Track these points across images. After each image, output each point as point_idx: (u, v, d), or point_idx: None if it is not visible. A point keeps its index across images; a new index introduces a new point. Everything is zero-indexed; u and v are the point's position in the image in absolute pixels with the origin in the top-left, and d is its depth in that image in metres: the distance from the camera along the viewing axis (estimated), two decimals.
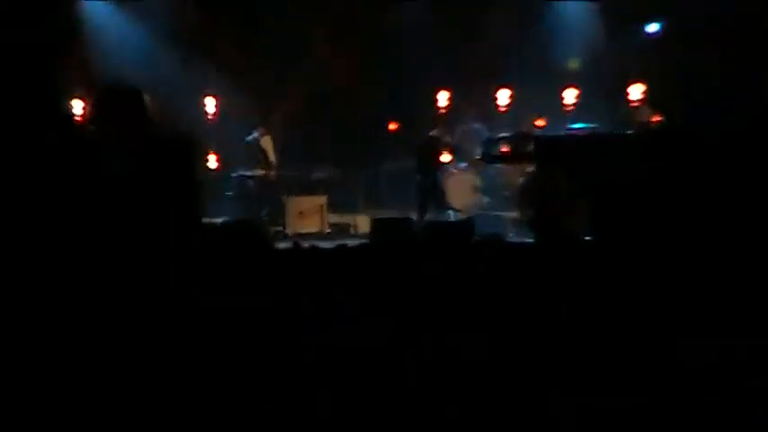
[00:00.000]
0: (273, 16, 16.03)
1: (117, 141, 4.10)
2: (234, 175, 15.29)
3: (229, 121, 15.81)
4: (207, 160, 15.16)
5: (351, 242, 10.09)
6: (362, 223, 14.93)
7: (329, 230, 15.35)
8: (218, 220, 13.73)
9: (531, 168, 12.99)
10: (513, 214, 14.23)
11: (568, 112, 15.59)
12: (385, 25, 16.64)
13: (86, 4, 16.10)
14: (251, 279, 6.22)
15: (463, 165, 15.47)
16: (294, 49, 16.35)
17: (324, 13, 16.76)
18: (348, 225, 15.46)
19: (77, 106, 14.13)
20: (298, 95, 16.79)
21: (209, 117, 15.91)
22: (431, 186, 14.11)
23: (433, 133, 14.44)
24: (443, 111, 15.71)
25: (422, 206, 14.10)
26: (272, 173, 14.97)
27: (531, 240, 11.04)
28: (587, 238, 9.32)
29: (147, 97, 4.36)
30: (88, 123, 4.82)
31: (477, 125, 16.00)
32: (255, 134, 15.03)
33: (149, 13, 15.85)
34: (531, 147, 11.70)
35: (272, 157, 15.02)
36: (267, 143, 15.06)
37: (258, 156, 15.06)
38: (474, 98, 16.31)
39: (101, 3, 16.20)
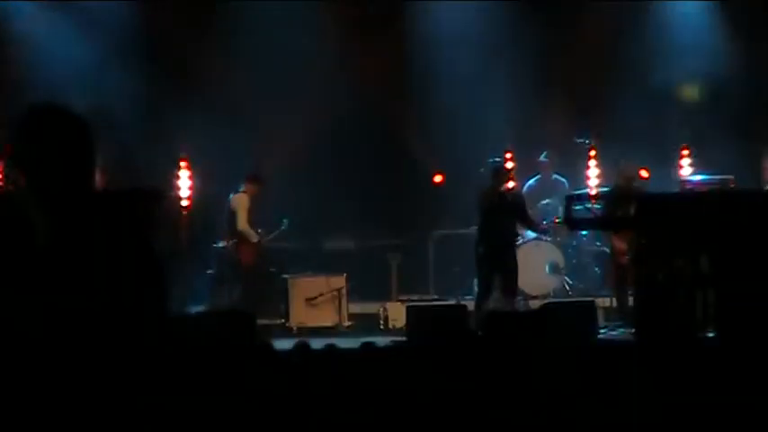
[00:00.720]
0: (267, 21, 16.37)
1: (45, 194, 3.92)
2: (216, 245, 15.53)
3: (213, 178, 15.99)
4: (181, 225, 15.17)
5: (380, 340, 10.15)
6: (396, 313, 15.03)
7: (349, 324, 15.43)
8: (195, 311, 14.03)
9: (630, 238, 13.03)
10: (606, 300, 14.47)
11: (684, 159, 15.65)
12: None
13: (9, 5, 16.33)
14: (234, 392, 6.33)
15: (534, 234, 15.63)
16: (297, 62, 16.57)
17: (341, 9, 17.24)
18: (376, 316, 15.51)
19: None
20: (302, 131, 16.85)
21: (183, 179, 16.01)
22: (498, 262, 13.97)
23: (504, 188, 14.12)
24: (510, 159, 15.93)
25: (483, 288, 14.05)
26: (230, 242, 14.95)
27: (631, 338, 11.13)
28: (708, 335, 9.50)
29: (90, 128, 4.22)
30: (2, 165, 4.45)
31: (557, 176, 16.40)
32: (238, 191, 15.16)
33: (101, 18, 16.11)
34: (632, 208, 11.76)
35: (240, 223, 14.92)
36: (239, 203, 15.10)
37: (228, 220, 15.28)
38: (552, 140, 16.67)
39: (29, 3, 16.43)
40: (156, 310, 3.96)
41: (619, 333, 13.43)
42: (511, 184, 14.27)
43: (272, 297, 15.46)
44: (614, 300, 14.22)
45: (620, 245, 14.10)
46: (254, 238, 15.11)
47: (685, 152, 15.75)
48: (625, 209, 12.09)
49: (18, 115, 3.94)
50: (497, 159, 15.00)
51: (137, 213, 3.96)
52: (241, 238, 15.04)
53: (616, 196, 13.30)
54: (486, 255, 13.94)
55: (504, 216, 13.98)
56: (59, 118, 3.91)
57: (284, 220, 14.73)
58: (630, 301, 13.88)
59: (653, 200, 11.37)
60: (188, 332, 9.70)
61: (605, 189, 14.18)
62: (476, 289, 14.45)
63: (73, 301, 3.69)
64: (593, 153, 15.99)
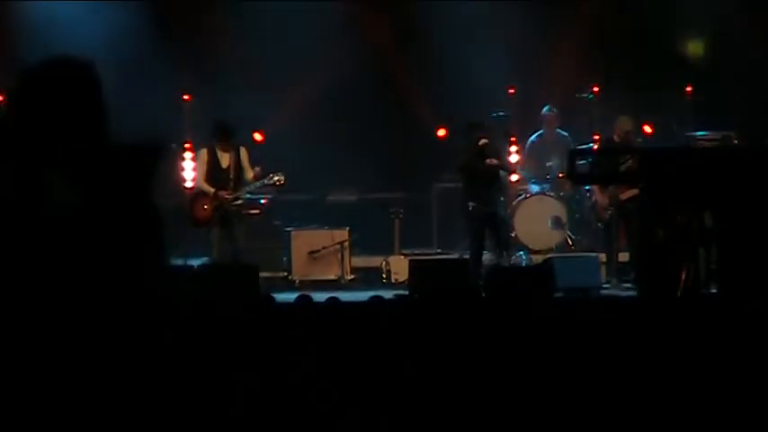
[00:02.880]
0: None
1: (55, 151, 3.81)
2: None
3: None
4: (183, 176, 15.06)
5: (383, 294, 10.04)
6: (398, 267, 15.08)
7: (352, 277, 15.54)
8: (196, 263, 14.08)
9: (634, 192, 13.24)
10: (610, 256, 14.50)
11: (688, 113, 15.72)
12: None
13: None
14: (235, 348, 6.32)
15: (538, 188, 15.77)
16: (300, 20, 16.60)
17: None
18: (379, 270, 15.55)
19: None
20: (306, 87, 16.83)
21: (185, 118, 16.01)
22: (488, 216, 14.06)
23: (482, 142, 14.05)
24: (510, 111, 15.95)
25: (475, 244, 14.13)
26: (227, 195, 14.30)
27: (634, 294, 11.17)
28: (710, 291, 9.56)
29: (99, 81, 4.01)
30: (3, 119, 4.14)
31: (560, 131, 16.39)
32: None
33: None
34: (629, 162, 11.77)
35: (246, 173, 14.40)
36: (197, 158, 14.65)
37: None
38: (555, 93, 16.67)
39: None
40: (156, 265, 3.93)
41: (620, 289, 13.52)
42: (485, 141, 14.23)
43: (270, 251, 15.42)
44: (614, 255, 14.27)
45: (602, 199, 14.20)
46: (210, 192, 14.37)
47: (688, 107, 15.77)
48: (623, 163, 12.01)
49: (24, 70, 3.83)
50: (501, 113, 15.00)
51: (139, 169, 3.95)
52: (196, 194, 14.50)
53: (612, 150, 13.34)
54: (476, 211, 14.01)
55: (486, 171, 14.04)
56: (70, 70, 3.87)
57: (272, 174, 14.45)
58: (620, 257, 14.17)
59: (655, 154, 11.30)
60: (189, 286, 9.96)
61: (608, 144, 14.16)
62: (469, 244, 14.48)
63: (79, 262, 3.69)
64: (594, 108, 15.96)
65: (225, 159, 14.29)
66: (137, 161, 4.08)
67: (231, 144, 14.30)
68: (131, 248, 3.84)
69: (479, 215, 13.93)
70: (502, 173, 14.54)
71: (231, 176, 14.30)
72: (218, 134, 14.29)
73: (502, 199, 14.68)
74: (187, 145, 14.94)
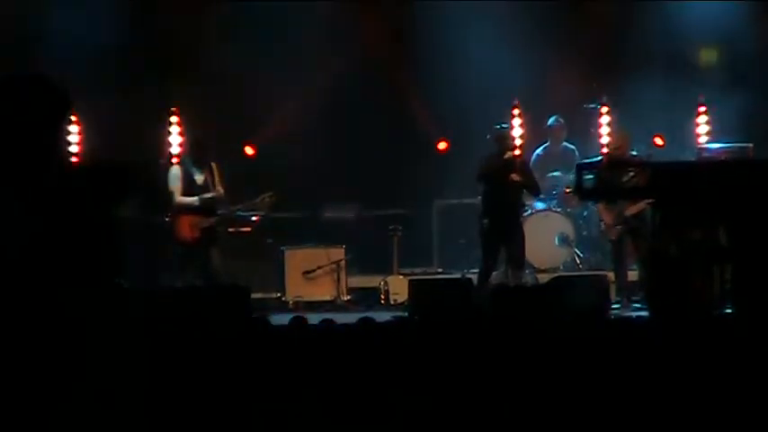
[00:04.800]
0: None
1: (10, 173, 3.87)
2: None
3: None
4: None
5: (380, 315, 10.19)
6: (398, 287, 15.06)
7: (349, 298, 15.49)
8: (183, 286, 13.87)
9: (644, 205, 13.26)
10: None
11: (701, 125, 15.59)
12: None
13: None
14: (225, 373, 6.27)
15: (543, 204, 15.68)
16: (296, 26, 16.55)
17: None
18: (377, 290, 15.51)
19: None
20: (300, 96, 16.73)
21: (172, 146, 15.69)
22: (504, 234, 13.90)
23: (508, 155, 14.07)
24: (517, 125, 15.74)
25: (487, 262, 13.98)
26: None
27: (645, 314, 11.09)
28: (725, 311, 9.46)
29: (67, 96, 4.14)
30: None
31: (566, 144, 16.32)
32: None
33: None
34: (646, 177, 11.56)
35: (174, 198, 14.23)
36: (169, 177, 14.40)
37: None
38: (561, 106, 16.60)
39: None
40: (111, 287, 4.05)
41: (630, 309, 13.48)
42: (517, 152, 14.18)
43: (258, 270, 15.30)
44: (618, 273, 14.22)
45: (608, 217, 14.18)
46: (194, 204, 14.29)
47: (702, 119, 15.68)
48: (623, 178, 11.86)
49: None
50: (504, 125, 14.98)
51: (102, 190, 3.91)
52: (177, 213, 14.36)
53: (620, 164, 13.01)
54: (492, 226, 13.84)
55: (510, 185, 13.91)
56: (28, 90, 3.85)
57: (264, 195, 14.45)
58: (630, 275, 14.13)
59: (667, 168, 11.27)
60: (178, 306, 9.51)
61: (596, 159, 14.08)
62: (480, 262, 14.33)
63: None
64: (604, 119, 15.84)
65: (200, 176, 14.23)
66: (101, 182, 4.07)
67: (205, 160, 14.24)
68: (84, 270, 3.87)
69: (493, 233, 13.78)
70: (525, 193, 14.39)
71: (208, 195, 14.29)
72: (193, 150, 14.30)
73: (521, 218, 14.50)
74: (175, 160, 14.85)
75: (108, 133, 15.16)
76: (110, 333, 4.03)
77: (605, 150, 14.25)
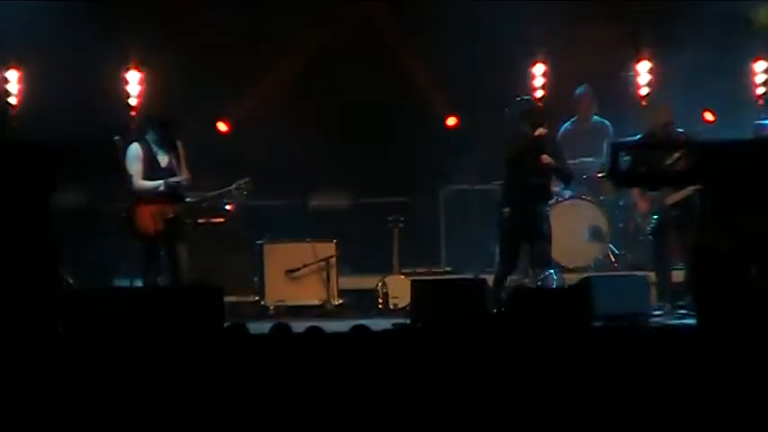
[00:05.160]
0: None
1: None
2: None
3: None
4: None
5: (378, 323, 10.15)
6: (398, 290, 14.94)
7: (340, 302, 15.36)
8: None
9: (687, 192, 13.25)
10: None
11: (760, 97, 15.78)
12: None
13: None
14: (193, 386, 6.49)
15: (570, 191, 15.52)
16: None
17: None
18: (374, 293, 15.30)
19: None
20: (285, 66, 16.79)
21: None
22: (529, 227, 13.63)
23: (539, 132, 13.55)
24: (540, 96, 15.85)
25: (507, 260, 13.79)
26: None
27: (692, 322, 10.96)
28: None
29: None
30: None
31: (597, 117, 16.17)
32: None
33: None
34: (686, 159, 11.46)
35: (134, 182, 13.85)
36: (127, 157, 13.98)
37: None
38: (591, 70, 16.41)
39: None
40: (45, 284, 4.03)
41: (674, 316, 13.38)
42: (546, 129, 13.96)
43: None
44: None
45: (644, 205, 14.12)
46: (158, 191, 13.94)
47: (761, 90, 15.76)
48: (666, 161, 12.05)
49: None
50: (526, 97, 14.69)
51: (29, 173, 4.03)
52: (137, 200, 14.02)
53: (662, 144, 13.30)
54: (514, 218, 13.64)
55: (542, 168, 13.71)
56: None
57: (240, 181, 14.35)
58: (674, 276, 13.95)
59: (717, 150, 11.13)
60: (139, 309, 9.82)
61: (637, 137, 14.05)
62: (498, 260, 14.12)
63: None
64: (643, 90, 15.86)
65: (164, 157, 14.08)
66: (24, 163, 4.32)
67: (171, 138, 14.08)
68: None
69: (515, 225, 13.63)
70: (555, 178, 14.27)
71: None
72: (157, 127, 14.15)
73: (548, 209, 14.35)
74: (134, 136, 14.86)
75: (57, 92, 15.28)
76: (39, 336, 4.22)
77: (646, 127, 14.02)
